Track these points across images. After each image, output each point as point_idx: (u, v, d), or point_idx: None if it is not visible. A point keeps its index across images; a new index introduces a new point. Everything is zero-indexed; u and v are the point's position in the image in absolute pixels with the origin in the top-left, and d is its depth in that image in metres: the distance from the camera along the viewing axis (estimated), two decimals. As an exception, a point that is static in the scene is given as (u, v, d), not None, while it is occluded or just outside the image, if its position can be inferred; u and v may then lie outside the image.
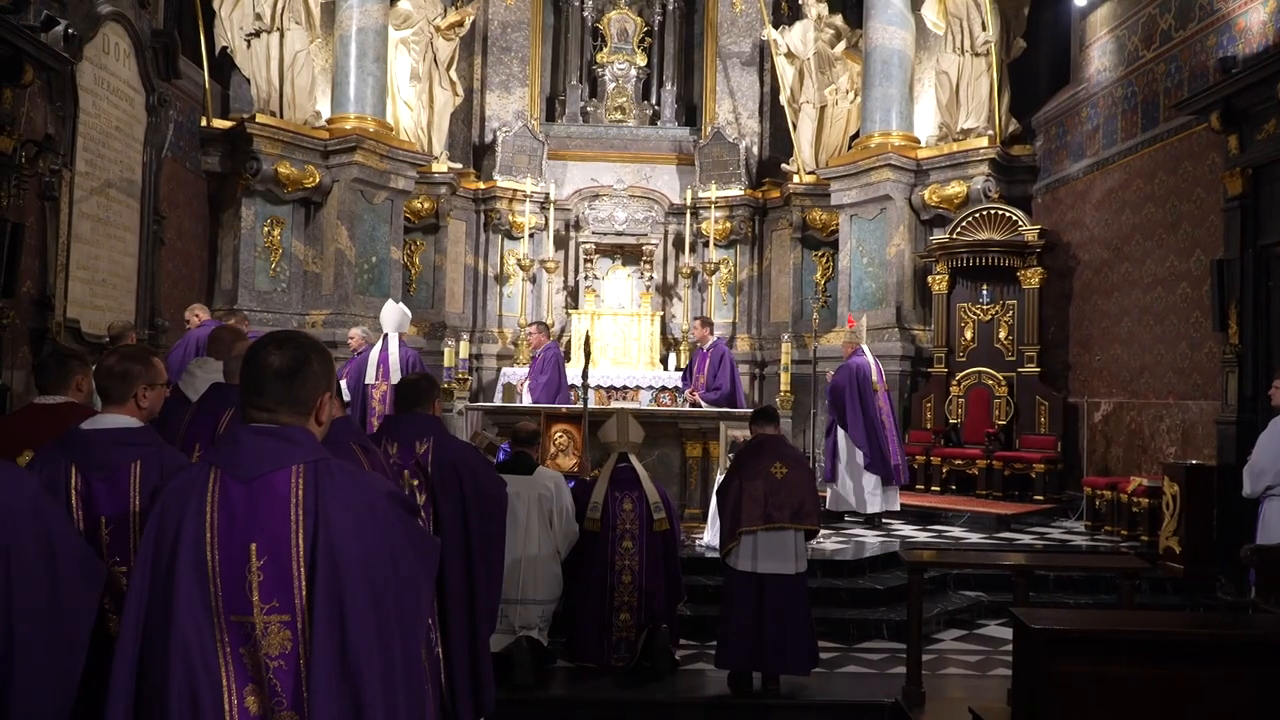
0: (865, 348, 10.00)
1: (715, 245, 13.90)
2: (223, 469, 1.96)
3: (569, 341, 13.76)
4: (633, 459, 6.20)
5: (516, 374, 12.29)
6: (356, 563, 1.91)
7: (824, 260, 13.70)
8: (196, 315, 8.92)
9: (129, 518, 2.75)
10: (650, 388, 12.93)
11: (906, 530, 9.41)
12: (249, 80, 11.58)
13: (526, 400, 10.10)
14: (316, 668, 1.87)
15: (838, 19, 13.38)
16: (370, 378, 9.43)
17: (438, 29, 12.90)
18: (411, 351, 9.63)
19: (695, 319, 11.49)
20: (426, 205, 13.16)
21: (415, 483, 3.74)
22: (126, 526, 2.74)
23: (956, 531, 9.34)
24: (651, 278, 14.23)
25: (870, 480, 9.49)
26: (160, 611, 1.91)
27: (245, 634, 1.90)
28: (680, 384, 9.91)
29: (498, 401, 12.08)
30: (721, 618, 5.71)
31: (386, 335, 9.64)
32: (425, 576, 2.04)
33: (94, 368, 2.93)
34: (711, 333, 10.72)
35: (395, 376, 9.20)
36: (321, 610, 1.88)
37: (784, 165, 13.82)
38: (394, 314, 9.73)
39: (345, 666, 1.87)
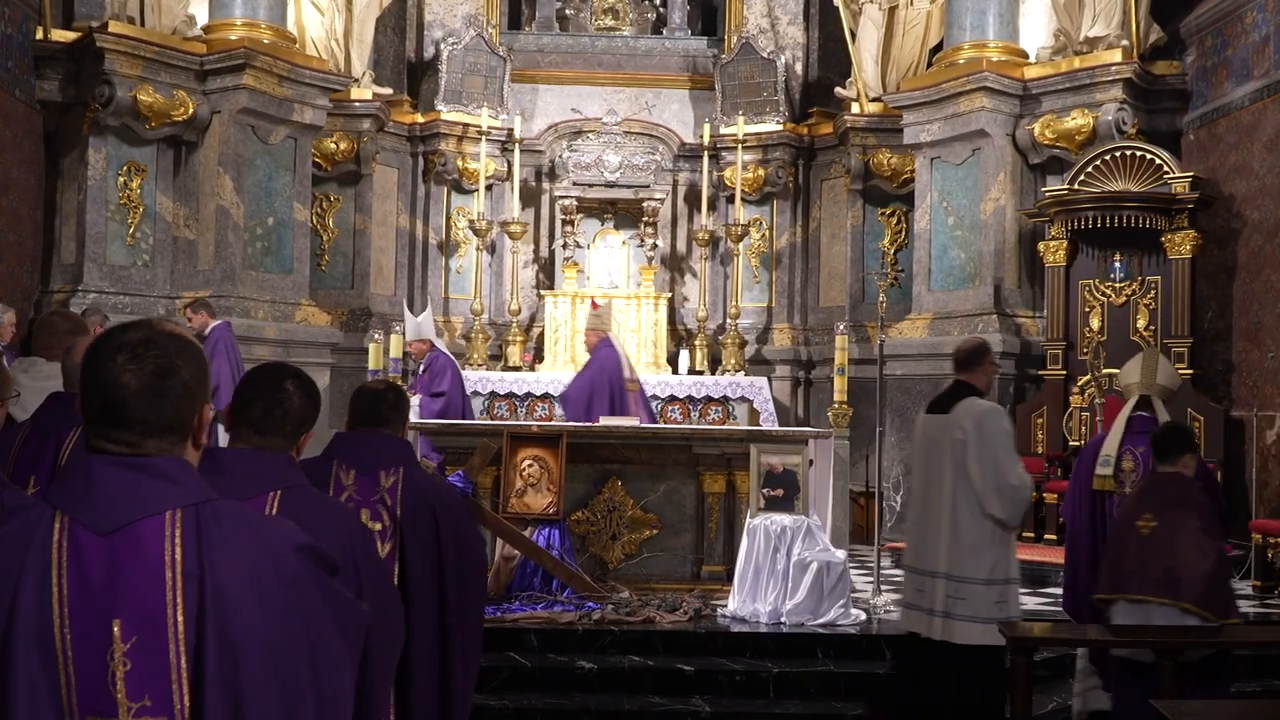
0: (613, 337, 10.34)
1: (744, 201, 13.91)
2: (71, 515, 1.92)
3: (540, 334, 13.77)
4: (1157, 404, 6.45)
5: (472, 378, 12.29)
6: (258, 646, 1.89)
7: (894, 221, 13.72)
8: None
9: None
10: (655, 397, 12.91)
11: (1009, 594, 9.37)
12: (98, -25, 11.60)
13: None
14: None
15: (912, -113, 13.41)
16: None
17: (358, -98, 12.93)
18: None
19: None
20: (344, 146, 13.17)
21: (378, 527, 3.73)
22: None
23: (1078, 596, 9.32)
24: (655, 245, 14.22)
25: None
26: None
27: None
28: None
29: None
30: None
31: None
32: (350, 657, 2.03)
33: None
34: None
35: None
36: (213, 712, 1.87)
37: (839, 90, 13.83)
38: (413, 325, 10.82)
39: None
